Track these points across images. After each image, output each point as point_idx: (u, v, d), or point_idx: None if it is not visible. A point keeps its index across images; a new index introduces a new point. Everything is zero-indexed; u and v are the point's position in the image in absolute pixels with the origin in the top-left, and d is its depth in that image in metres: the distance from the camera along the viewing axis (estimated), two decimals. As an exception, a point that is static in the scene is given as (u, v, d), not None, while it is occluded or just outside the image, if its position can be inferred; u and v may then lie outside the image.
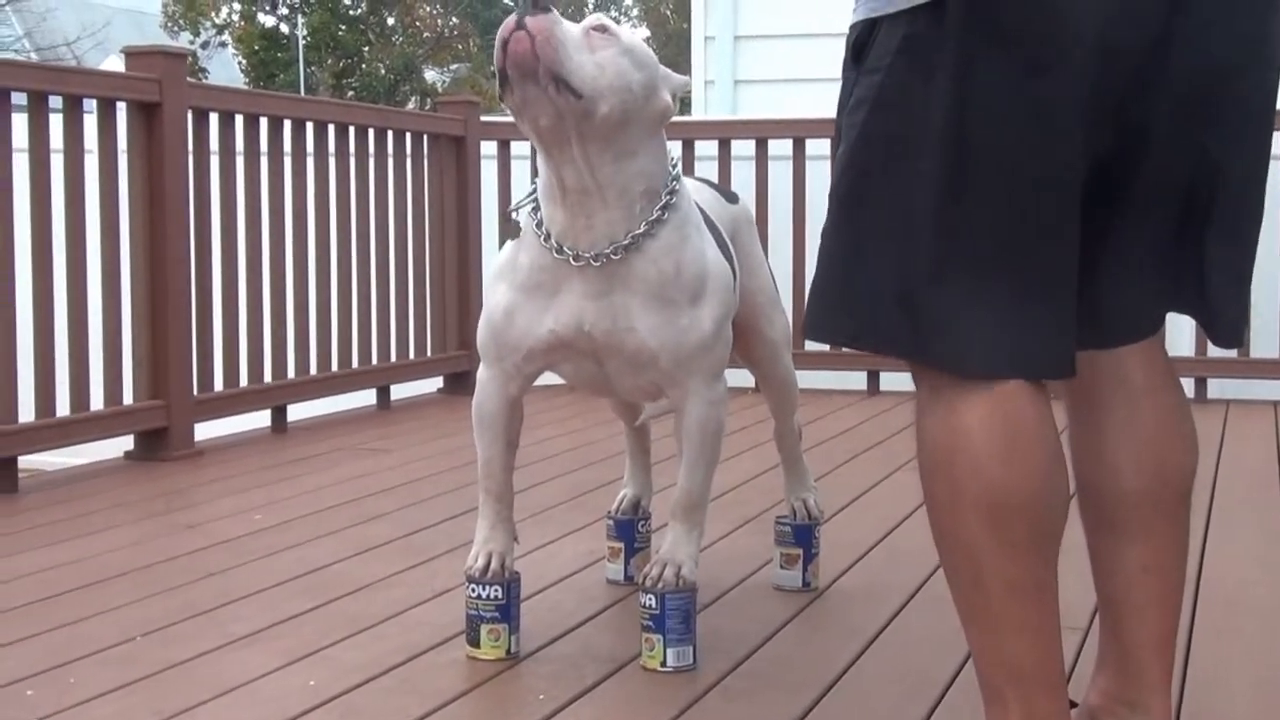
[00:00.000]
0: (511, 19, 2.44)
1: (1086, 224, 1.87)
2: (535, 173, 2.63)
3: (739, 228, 3.10)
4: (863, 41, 1.89)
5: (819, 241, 1.96)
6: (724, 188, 3.24)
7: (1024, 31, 1.77)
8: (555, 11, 2.45)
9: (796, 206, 6.44)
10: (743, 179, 6.23)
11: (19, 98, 4.43)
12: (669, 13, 34.70)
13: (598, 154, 2.52)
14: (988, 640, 1.89)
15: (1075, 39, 1.77)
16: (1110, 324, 1.99)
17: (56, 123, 4.59)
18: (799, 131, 6.43)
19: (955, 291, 1.82)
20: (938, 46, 1.80)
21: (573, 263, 2.58)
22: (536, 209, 2.64)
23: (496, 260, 2.73)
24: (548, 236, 2.60)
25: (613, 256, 2.57)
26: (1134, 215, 1.92)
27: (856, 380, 6.46)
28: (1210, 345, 3.92)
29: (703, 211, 2.79)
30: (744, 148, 6.57)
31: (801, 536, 3.22)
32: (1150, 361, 2.04)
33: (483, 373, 2.75)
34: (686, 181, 2.79)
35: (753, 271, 3.10)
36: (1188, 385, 5.36)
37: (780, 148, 6.54)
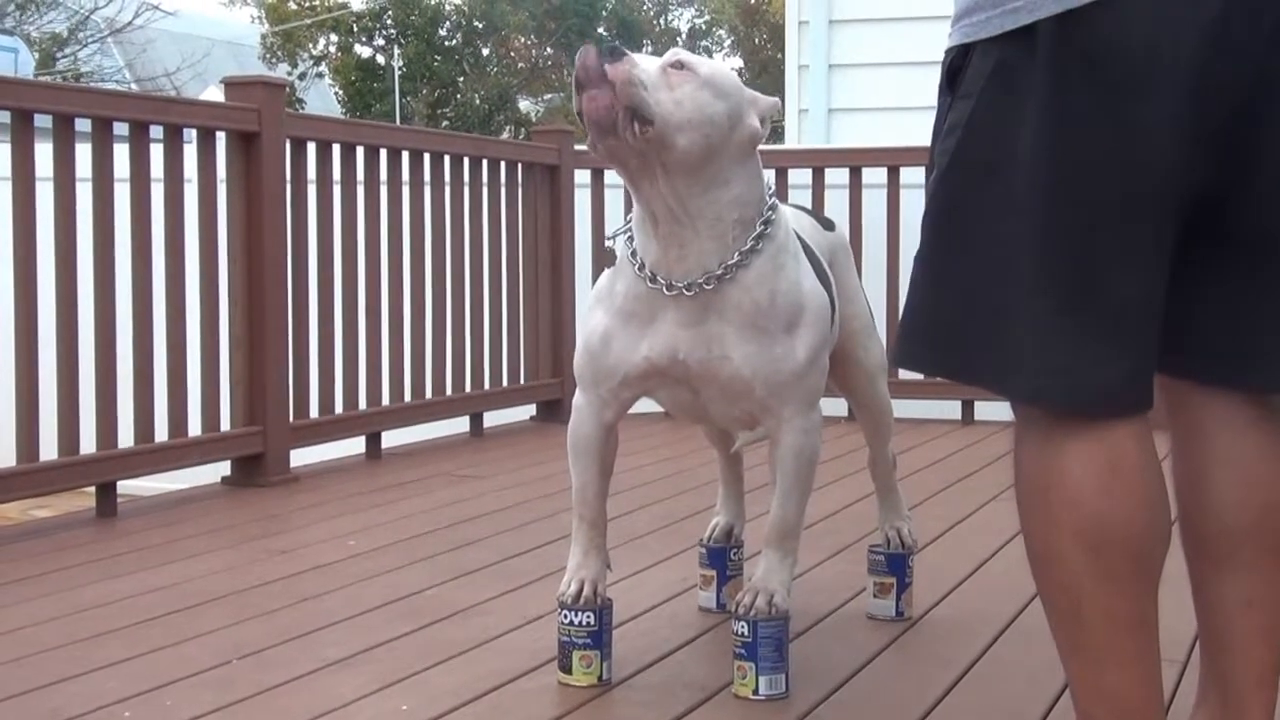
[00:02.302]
0: (584, 66, 2.43)
1: (1190, 257, 1.85)
2: (629, 201, 2.64)
3: (836, 255, 3.09)
4: (957, 67, 1.89)
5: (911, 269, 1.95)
6: (821, 215, 3.23)
7: (1116, 58, 1.76)
8: (630, 55, 2.46)
9: (891, 235, 6.42)
10: (837, 207, 6.22)
11: (121, 128, 4.50)
12: (763, 41, 34.71)
13: (686, 187, 2.53)
14: (1087, 673, 1.87)
15: (1169, 67, 1.75)
16: (1216, 358, 1.97)
17: (157, 152, 4.65)
18: (893, 160, 6.42)
19: (1044, 322, 1.81)
20: (1029, 71, 1.79)
21: (666, 292, 2.58)
22: (632, 238, 2.64)
23: (595, 287, 2.74)
24: (642, 266, 2.60)
25: (705, 286, 2.57)
26: (1240, 252, 1.89)
27: (951, 410, 6.42)
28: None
29: (802, 239, 2.78)
30: (838, 176, 6.56)
31: (895, 566, 3.20)
32: (1256, 393, 2.01)
33: (579, 399, 2.75)
34: (784, 210, 2.79)
35: (849, 299, 3.09)
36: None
37: (874, 176, 6.53)
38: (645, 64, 2.48)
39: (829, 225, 3.18)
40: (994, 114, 1.83)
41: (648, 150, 2.47)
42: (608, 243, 2.70)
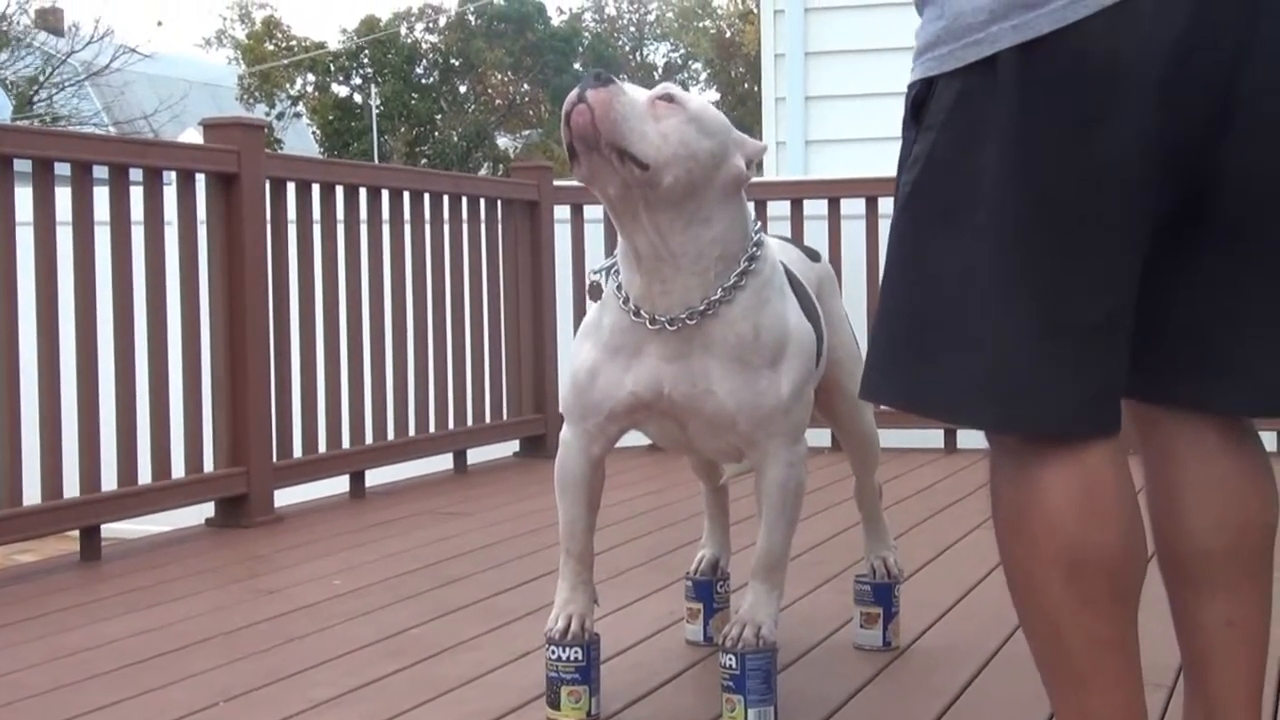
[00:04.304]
0: (574, 93, 2.45)
1: (1159, 278, 1.87)
2: (610, 236, 2.65)
3: (823, 286, 3.11)
4: (921, 99, 1.90)
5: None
6: (807, 247, 3.25)
7: (1077, 83, 1.77)
8: (618, 82, 2.46)
9: (870, 265, 6.44)
10: (816, 238, 6.22)
11: (100, 171, 4.50)
12: (740, 74, 34.82)
13: (668, 223, 2.53)
14: (1071, 699, 1.88)
15: (1131, 90, 1.76)
16: (1186, 381, 1.98)
17: (137, 195, 4.66)
18: (871, 190, 6.44)
19: (1009, 348, 1.82)
20: (991, 101, 1.80)
21: (649, 326, 2.59)
22: (618, 271, 2.65)
23: (584, 321, 2.75)
24: (627, 299, 2.61)
25: (688, 322, 2.58)
26: (1209, 273, 1.91)
27: (933, 438, 6.43)
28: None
29: (790, 272, 2.79)
30: (816, 207, 6.58)
31: (881, 595, 3.20)
32: (1226, 416, 2.02)
33: (566, 433, 2.76)
34: (771, 241, 2.79)
35: (834, 329, 3.10)
36: (1268, 440, 5.31)
37: (852, 207, 6.55)
38: (633, 93, 2.49)
39: (814, 256, 3.19)
40: (957, 144, 1.84)
41: (630, 180, 2.47)
42: (593, 276, 2.71)
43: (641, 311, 2.59)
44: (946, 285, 1.85)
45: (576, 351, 2.72)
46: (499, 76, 37.57)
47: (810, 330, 2.72)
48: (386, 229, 5.74)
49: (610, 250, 2.69)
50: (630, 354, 2.63)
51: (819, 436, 3.30)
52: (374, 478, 5.69)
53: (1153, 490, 2.05)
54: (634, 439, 2.87)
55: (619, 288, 2.63)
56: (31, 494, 4.27)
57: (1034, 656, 1.91)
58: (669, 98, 2.51)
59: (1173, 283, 1.91)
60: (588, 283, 2.72)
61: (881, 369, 1.96)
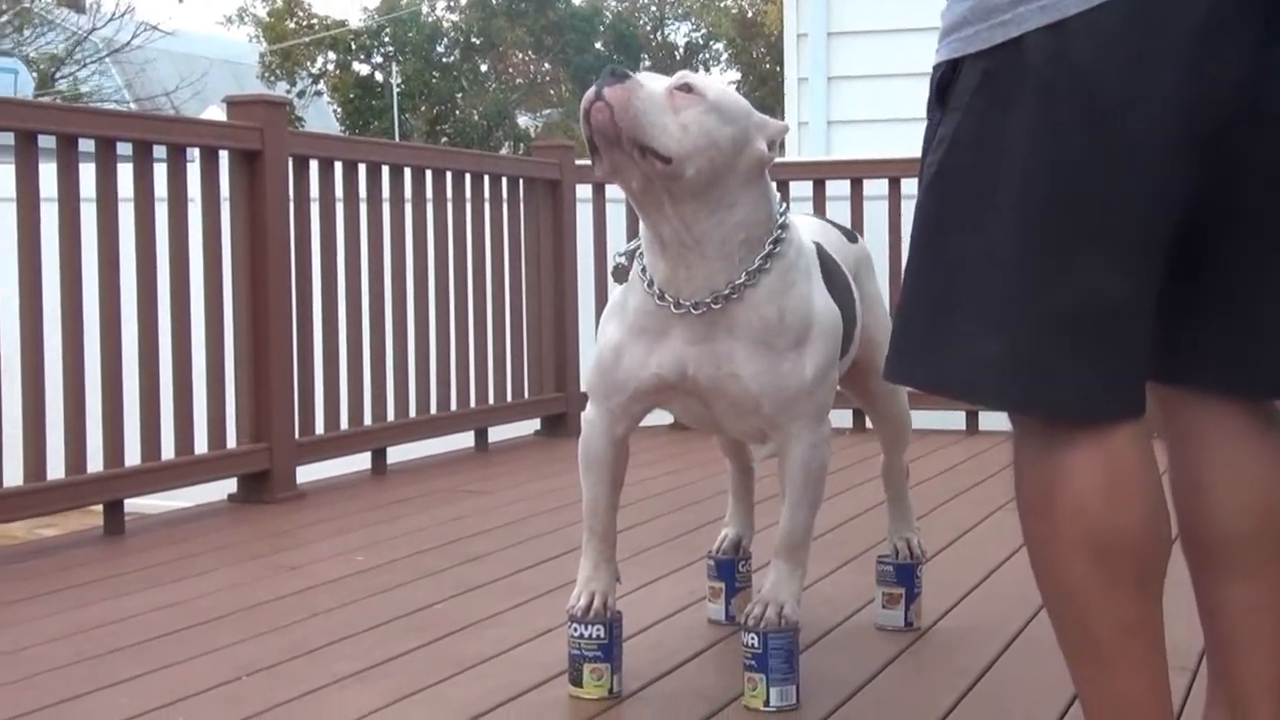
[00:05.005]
0: (592, 90, 2.45)
1: (1185, 260, 1.86)
2: (631, 215, 2.65)
3: (860, 267, 3.11)
4: (946, 81, 1.89)
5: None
6: (846, 228, 3.24)
7: (1104, 64, 1.76)
8: (635, 77, 2.46)
9: (892, 246, 6.43)
10: (838, 219, 6.19)
11: (124, 148, 4.51)
12: (761, 55, 34.72)
13: (692, 212, 2.53)
14: (1095, 681, 1.87)
15: (1157, 75, 1.75)
16: (1211, 364, 1.97)
17: (160, 172, 4.66)
18: (893, 171, 6.42)
19: (1033, 332, 1.81)
20: (1016, 84, 1.80)
21: (674, 310, 2.59)
22: (642, 255, 2.65)
23: (610, 302, 2.76)
24: (651, 283, 2.61)
25: (713, 305, 2.58)
26: (1236, 256, 1.90)
27: (955, 419, 6.42)
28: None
29: (826, 254, 2.79)
30: (839, 188, 6.57)
31: (904, 576, 3.20)
32: (1252, 400, 2.01)
33: (589, 412, 2.76)
34: (810, 222, 2.79)
35: (871, 309, 3.10)
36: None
37: (875, 188, 6.53)
38: (651, 86, 2.48)
39: (853, 237, 3.19)
40: (981, 126, 1.83)
41: (652, 174, 2.47)
42: (618, 259, 2.71)
43: (666, 295, 2.59)
44: (970, 267, 1.84)
45: (601, 332, 2.73)
46: (520, 55, 37.51)
47: (836, 312, 2.71)
48: (409, 207, 5.74)
49: (632, 231, 2.70)
50: (655, 335, 2.63)
51: (842, 417, 3.29)
52: (395, 455, 5.69)
53: (1176, 473, 2.04)
54: (657, 418, 2.87)
55: (643, 271, 2.63)
56: (55, 468, 4.28)
57: (1057, 638, 1.90)
58: (687, 87, 2.50)
59: (1198, 265, 1.91)
60: (611, 265, 2.73)
61: (905, 350, 1.95)
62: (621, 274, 2.69)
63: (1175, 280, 1.88)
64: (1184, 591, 2.03)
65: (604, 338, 2.71)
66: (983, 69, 1.83)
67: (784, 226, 2.63)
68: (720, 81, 2.66)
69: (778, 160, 6.86)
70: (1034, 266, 1.80)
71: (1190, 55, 1.75)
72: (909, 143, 1.98)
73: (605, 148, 2.45)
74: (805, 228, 2.80)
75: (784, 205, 2.68)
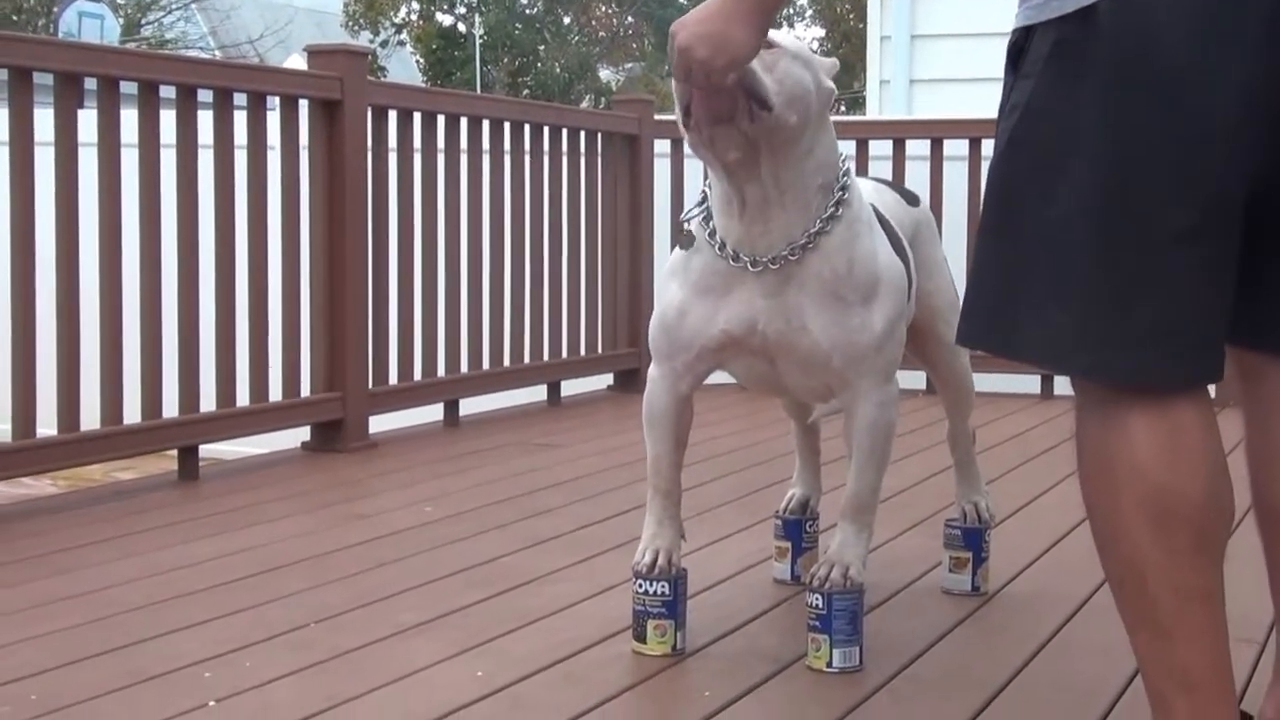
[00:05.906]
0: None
1: (1265, 228, 1.84)
2: (707, 171, 2.63)
3: (919, 230, 3.08)
4: (1019, 47, 1.89)
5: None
6: (906, 189, 3.22)
7: (1174, 39, 1.74)
8: None
9: (972, 207, 6.37)
10: (918, 179, 6.17)
11: (205, 95, 4.53)
12: (845, 11, 34.49)
13: (784, 165, 2.54)
14: (1155, 648, 1.86)
15: (1229, 48, 1.73)
16: None
17: (241, 119, 4.69)
18: (974, 131, 6.36)
19: (1103, 300, 1.80)
20: (1088, 53, 1.78)
21: (750, 268, 2.58)
22: (708, 218, 2.64)
23: (669, 262, 2.75)
24: (723, 245, 2.60)
25: (790, 258, 2.57)
26: None
27: (1029, 384, 6.38)
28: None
29: (881, 215, 2.77)
30: (919, 148, 6.52)
31: (971, 540, 3.19)
32: None
33: (653, 371, 2.76)
34: (866, 184, 2.78)
35: (931, 273, 3.08)
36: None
37: (955, 148, 6.48)
38: None
39: (914, 200, 3.17)
40: (1054, 94, 1.82)
41: (757, 134, 2.47)
42: (687, 224, 2.70)
43: (740, 255, 2.58)
44: (1041, 235, 1.84)
45: (663, 292, 2.72)
46: (603, 8, 37.42)
47: (901, 268, 2.71)
48: (486, 159, 5.74)
49: (703, 193, 2.68)
50: (721, 293, 2.63)
51: (913, 379, 3.28)
52: (468, 407, 5.72)
53: (1253, 441, 2.03)
54: (724, 375, 2.87)
55: (712, 233, 2.62)
56: (132, 413, 4.33)
57: (1117, 605, 1.89)
58: (770, 44, 2.50)
59: (1276, 231, 1.88)
60: (681, 230, 2.71)
61: (977, 315, 1.95)
62: (689, 240, 2.68)
63: (1254, 245, 1.86)
64: (1253, 563, 2.01)
65: (667, 296, 2.71)
66: (1054, 38, 1.82)
67: (848, 173, 2.65)
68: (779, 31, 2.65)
69: (858, 119, 6.82)
70: (1103, 236, 1.79)
71: (1264, 29, 1.73)
72: (992, 103, 1.97)
73: (710, 122, 2.44)
74: (862, 188, 2.79)
75: (845, 156, 2.68)
